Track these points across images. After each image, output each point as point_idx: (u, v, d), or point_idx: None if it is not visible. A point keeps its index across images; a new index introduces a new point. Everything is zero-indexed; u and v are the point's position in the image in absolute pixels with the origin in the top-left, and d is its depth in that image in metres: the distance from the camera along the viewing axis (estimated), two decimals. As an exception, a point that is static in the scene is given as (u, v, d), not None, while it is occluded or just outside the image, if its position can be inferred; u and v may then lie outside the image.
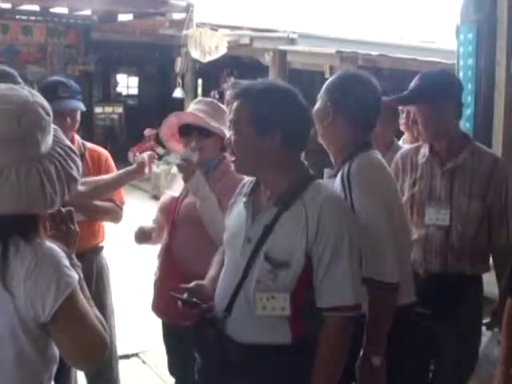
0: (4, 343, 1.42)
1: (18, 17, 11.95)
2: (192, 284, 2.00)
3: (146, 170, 2.79)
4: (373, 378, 2.00)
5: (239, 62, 10.96)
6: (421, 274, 2.50)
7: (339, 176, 2.07)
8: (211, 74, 12.05)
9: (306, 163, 1.91)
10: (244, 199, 1.92)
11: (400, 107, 3.15)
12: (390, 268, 1.97)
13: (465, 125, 3.60)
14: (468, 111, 3.66)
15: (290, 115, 1.81)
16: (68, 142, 1.55)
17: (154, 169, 7.11)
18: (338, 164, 2.15)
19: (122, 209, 3.02)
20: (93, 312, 1.51)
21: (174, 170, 2.54)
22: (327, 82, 2.20)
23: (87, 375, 3.06)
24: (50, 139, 1.47)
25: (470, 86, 3.70)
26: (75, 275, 1.47)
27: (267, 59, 8.50)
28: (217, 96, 10.31)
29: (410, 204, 2.57)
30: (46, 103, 1.49)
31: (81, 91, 2.99)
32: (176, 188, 2.58)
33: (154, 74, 14.94)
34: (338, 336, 1.78)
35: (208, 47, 9.03)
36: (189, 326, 1.98)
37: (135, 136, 12.36)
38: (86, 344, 1.47)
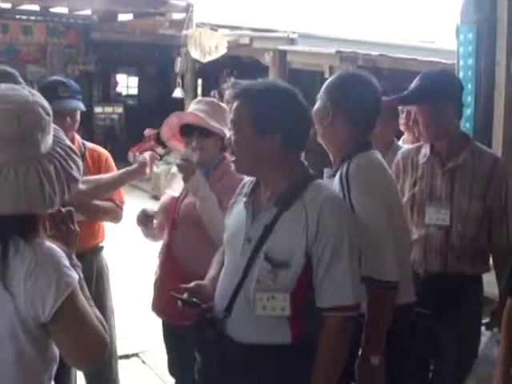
0: (4, 343, 1.42)
1: (17, 17, 11.95)
2: (192, 284, 2.00)
3: (147, 170, 2.79)
4: (372, 378, 2.00)
5: (239, 62, 10.95)
6: (421, 273, 2.50)
7: (338, 176, 2.07)
8: (211, 74, 12.04)
9: (305, 163, 1.91)
10: (244, 199, 1.92)
11: (400, 107, 3.15)
12: (390, 267, 1.97)
13: (465, 125, 3.60)
14: (468, 111, 3.66)
15: (289, 115, 1.81)
16: (68, 142, 1.55)
17: (154, 169, 7.09)
18: (337, 164, 2.14)
19: (121, 209, 3.02)
20: (93, 312, 1.51)
21: (174, 169, 2.54)
22: (327, 82, 2.20)
23: (86, 375, 3.05)
24: (49, 139, 1.47)
25: (469, 86, 3.70)
26: (75, 275, 1.47)
27: (267, 59, 8.50)
28: (217, 96, 10.30)
29: (410, 204, 2.57)
30: (46, 103, 1.49)
31: (81, 91, 2.99)
32: (176, 188, 2.57)
33: (154, 73, 14.94)
34: (338, 336, 1.78)
35: (208, 47, 9.02)
36: (189, 325, 1.98)
37: (135, 136, 12.35)
38: (86, 344, 1.47)
